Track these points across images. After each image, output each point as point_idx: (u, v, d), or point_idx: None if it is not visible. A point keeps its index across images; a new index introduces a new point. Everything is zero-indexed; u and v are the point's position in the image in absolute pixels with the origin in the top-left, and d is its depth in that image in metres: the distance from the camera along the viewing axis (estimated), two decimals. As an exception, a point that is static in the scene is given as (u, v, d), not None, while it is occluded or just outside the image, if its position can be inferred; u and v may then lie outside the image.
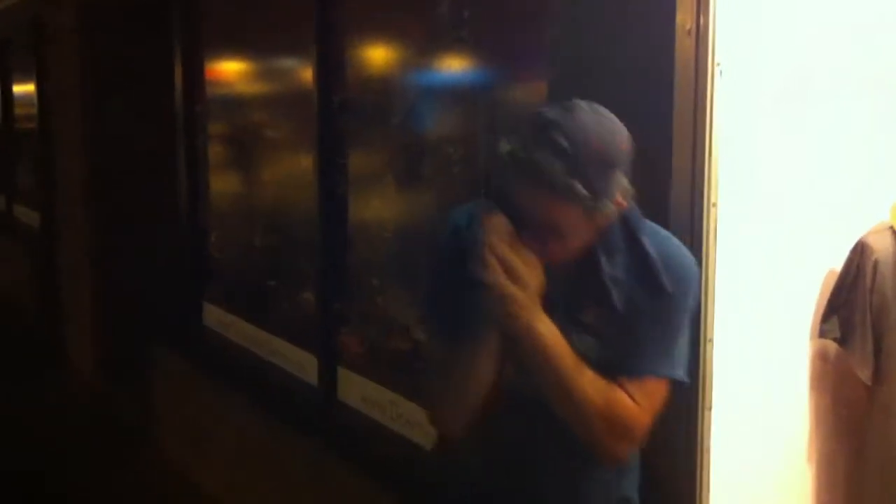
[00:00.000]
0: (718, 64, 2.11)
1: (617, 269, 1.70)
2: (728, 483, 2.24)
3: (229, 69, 4.81)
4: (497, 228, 1.61)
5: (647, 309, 1.69)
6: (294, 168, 4.21)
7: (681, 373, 1.73)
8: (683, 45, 2.11)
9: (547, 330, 1.64)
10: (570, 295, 1.71)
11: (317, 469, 3.64)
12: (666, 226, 2.14)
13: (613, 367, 1.68)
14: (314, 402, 3.78)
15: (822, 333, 2.42)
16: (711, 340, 2.16)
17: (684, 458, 2.20)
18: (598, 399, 1.64)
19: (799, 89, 2.31)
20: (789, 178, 2.32)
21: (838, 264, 2.43)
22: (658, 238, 1.76)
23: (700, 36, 2.10)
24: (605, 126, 1.61)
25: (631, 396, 1.66)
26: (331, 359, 3.74)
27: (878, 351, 2.39)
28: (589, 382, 1.65)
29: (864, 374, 2.39)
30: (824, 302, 2.43)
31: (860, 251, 2.38)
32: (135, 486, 4.64)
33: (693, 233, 2.14)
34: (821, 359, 2.46)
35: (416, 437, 3.18)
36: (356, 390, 3.58)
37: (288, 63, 4.24)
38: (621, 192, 1.62)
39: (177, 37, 4.86)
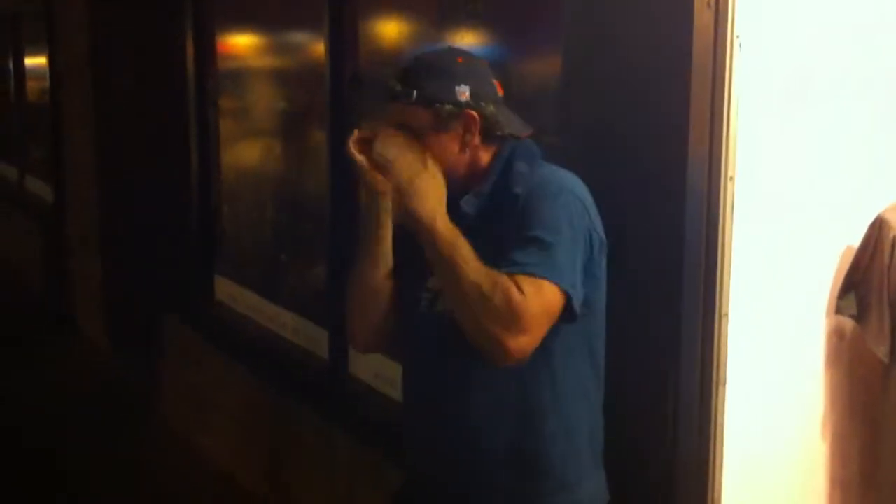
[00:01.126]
0: (738, 37, 2.08)
1: (484, 186, 1.94)
2: (742, 459, 2.23)
3: (241, 42, 4.79)
4: (368, 130, 1.89)
5: (503, 213, 1.86)
6: (306, 142, 4.19)
7: (564, 284, 1.78)
8: (703, 17, 2.08)
9: (444, 220, 1.82)
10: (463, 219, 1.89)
11: (327, 443, 3.65)
12: (682, 199, 2.15)
13: (503, 263, 1.79)
14: (325, 377, 3.78)
15: (839, 310, 2.40)
16: (727, 315, 2.15)
17: (698, 433, 2.19)
18: (486, 282, 1.74)
19: (820, 61, 2.28)
20: (808, 153, 2.30)
21: (856, 240, 2.41)
22: (544, 168, 1.95)
23: (720, 8, 2.07)
24: (442, 50, 2.09)
25: (518, 286, 1.74)
26: (342, 332, 3.73)
27: (894, 328, 2.37)
28: (477, 266, 1.77)
29: (881, 352, 2.38)
30: (841, 278, 2.41)
31: (878, 227, 2.36)
32: (143, 456, 4.67)
33: (710, 206, 2.13)
34: (837, 335, 2.45)
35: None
36: (367, 365, 3.58)
37: (300, 36, 4.22)
38: (472, 105, 1.89)
39: (188, 8, 4.83)
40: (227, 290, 4.74)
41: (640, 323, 2.21)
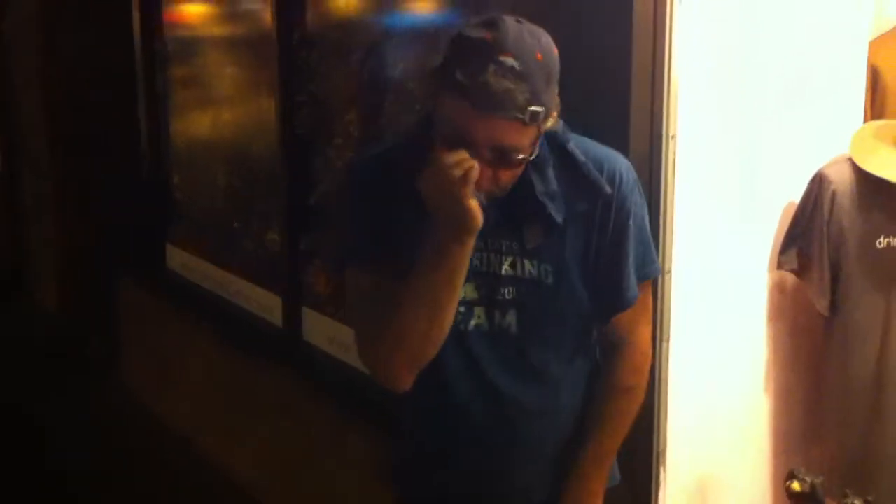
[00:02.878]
0: (678, -6, 2.09)
1: (549, 183, 1.63)
2: (687, 413, 2.26)
3: (189, 9, 4.72)
4: (452, 158, 1.49)
5: (594, 214, 1.66)
6: (256, 107, 4.15)
7: (656, 268, 1.79)
8: (642, -26, 2.08)
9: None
10: (513, 223, 1.64)
11: (283, 409, 3.65)
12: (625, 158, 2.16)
13: (609, 295, 1.71)
14: (279, 343, 3.77)
15: (780, 265, 2.43)
16: (669, 272, 2.17)
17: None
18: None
19: (760, 16, 2.29)
20: (749, 110, 2.31)
21: (797, 196, 2.43)
22: (585, 145, 1.71)
23: (658, -35, 2.08)
24: (542, 38, 1.54)
25: (643, 344, 1.82)
26: (295, 299, 3.73)
27: (835, 282, 2.41)
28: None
29: (822, 305, 2.42)
30: (783, 234, 2.44)
31: (819, 182, 2.39)
32: (100, 419, 4.64)
33: (652, 165, 2.14)
34: (778, 290, 2.48)
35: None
36: (321, 330, 3.58)
37: (247, 1, 4.17)
38: (556, 104, 1.56)
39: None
40: (179, 258, 4.70)
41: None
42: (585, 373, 1.82)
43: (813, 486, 1.96)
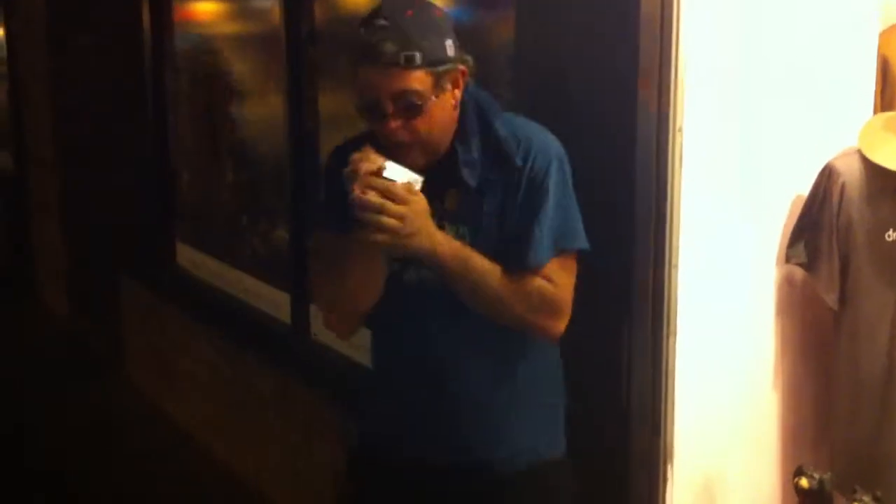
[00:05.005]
0: (684, -8, 2.08)
1: (471, 153, 1.82)
2: (694, 409, 2.25)
3: (197, 4, 4.73)
4: (365, 163, 1.68)
5: (505, 183, 1.81)
6: (264, 104, 4.15)
7: (580, 242, 1.85)
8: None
9: (444, 244, 1.75)
10: (437, 188, 1.78)
11: (290, 404, 3.65)
12: (633, 153, 2.16)
13: (525, 259, 1.79)
14: (288, 341, 3.77)
15: (789, 258, 2.41)
16: (676, 266, 2.16)
17: (650, 384, 2.21)
18: (513, 290, 1.78)
19: (768, 10, 2.27)
20: (757, 103, 2.29)
21: (805, 189, 2.42)
22: (514, 123, 1.87)
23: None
24: (408, 2, 1.76)
25: (547, 278, 1.80)
26: (304, 296, 3.72)
27: (843, 275, 2.39)
28: (497, 276, 1.78)
29: (830, 299, 2.40)
30: (791, 227, 2.42)
31: (827, 175, 2.37)
32: (105, 416, 4.66)
33: (659, 158, 2.13)
34: (787, 284, 2.46)
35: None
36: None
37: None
38: (460, 61, 1.77)
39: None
40: (188, 255, 4.71)
41: (590, 274, 2.21)
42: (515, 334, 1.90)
43: (821, 482, 1.95)
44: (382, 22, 1.69)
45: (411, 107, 1.72)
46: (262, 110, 4.20)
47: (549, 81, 2.38)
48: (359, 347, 3.37)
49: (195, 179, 4.84)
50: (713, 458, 2.33)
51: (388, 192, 1.66)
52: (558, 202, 1.81)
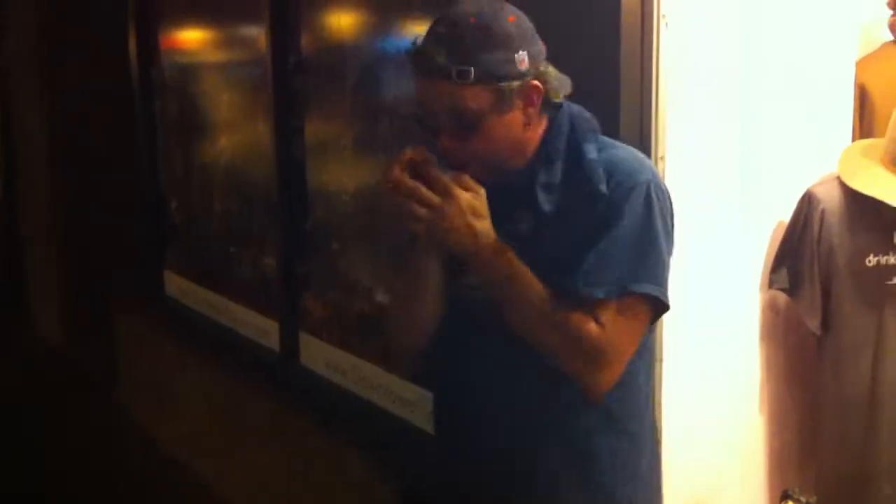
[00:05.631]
0: (664, 16, 2.11)
1: (553, 175, 1.65)
2: (682, 435, 2.26)
3: (184, 33, 4.75)
4: (402, 159, 1.56)
5: (584, 212, 1.61)
6: (252, 132, 4.17)
7: (652, 288, 1.60)
8: (629, -1, 2.11)
9: (489, 248, 1.57)
10: (505, 206, 1.62)
11: (280, 434, 3.65)
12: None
13: (573, 285, 1.58)
14: (277, 368, 3.77)
15: (772, 284, 2.44)
16: (661, 293, 2.17)
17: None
18: (554, 317, 1.57)
19: (746, 38, 2.31)
20: (738, 130, 2.33)
21: (787, 215, 2.45)
22: (607, 146, 1.69)
23: (645, -11, 2.10)
24: (486, 5, 1.60)
25: (594, 318, 1.57)
26: (293, 324, 3.73)
27: (826, 300, 2.42)
28: (541, 297, 1.57)
29: (813, 324, 2.43)
30: (774, 253, 2.45)
31: (808, 201, 2.40)
32: (98, 449, 4.63)
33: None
34: (771, 309, 2.49)
35: (379, 399, 3.19)
36: (319, 355, 3.58)
37: (242, 25, 4.20)
38: (536, 76, 1.60)
39: (130, 2, 4.79)
40: (176, 283, 4.71)
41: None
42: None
43: (807, 505, 1.97)
44: (441, 30, 1.57)
45: (465, 125, 1.58)
46: (249, 138, 4.22)
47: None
48: (345, 373, 3.38)
49: (184, 207, 4.85)
50: (701, 483, 2.34)
51: (429, 179, 1.54)
52: (633, 233, 1.59)
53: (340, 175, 3.55)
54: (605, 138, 1.72)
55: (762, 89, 2.36)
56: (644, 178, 1.62)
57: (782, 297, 2.48)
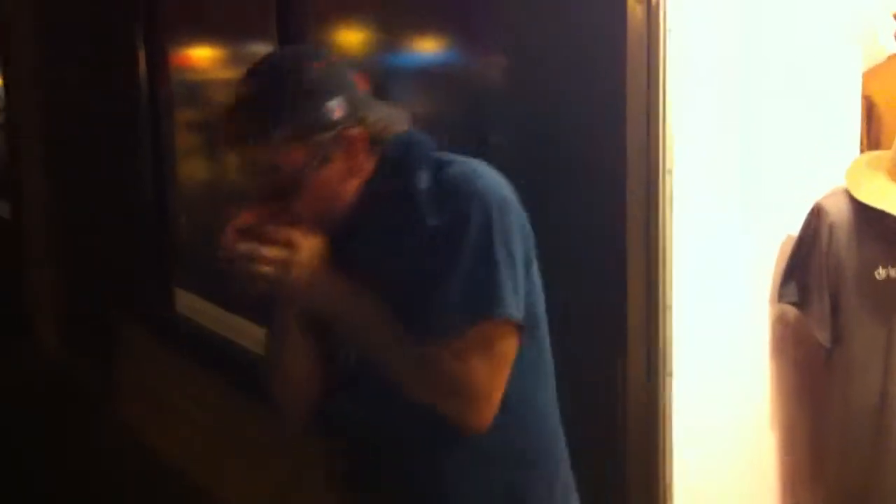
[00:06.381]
0: (670, 30, 2.11)
1: (380, 216, 1.55)
2: (691, 449, 2.25)
3: (192, 52, 4.78)
4: (232, 226, 1.52)
5: (420, 248, 1.51)
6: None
7: (499, 310, 1.48)
8: (635, 12, 2.11)
9: (339, 292, 1.51)
10: (344, 242, 1.55)
11: (287, 448, 3.64)
12: (622, 194, 2.18)
13: (422, 324, 1.48)
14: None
15: (781, 297, 2.43)
16: (670, 307, 2.17)
17: (645, 424, 2.22)
18: (413, 362, 1.49)
19: (752, 51, 2.31)
20: (745, 143, 2.32)
21: (796, 228, 2.44)
22: (449, 165, 1.55)
23: (651, 3, 2.10)
24: (292, 57, 1.56)
25: (452, 353, 1.46)
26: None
27: (835, 314, 2.41)
28: (397, 344, 1.50)
29: (822, 337, 2.41)
30: (783, 266, 2.44)
31: (816, 214, 2.39)
32: (99, 463, 4.65)
33: (649, 200, 2.15)
34: (780, 323, 2.48)
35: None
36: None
37: (249, 43, 4.22)
38: (352, 119, 1.50)
39: (139, 20, 4.82)
40: (186, 300, 4.72)
41: (584, 317, 2.23)
42: None
43: (817, 520, 1.95)
44: (244, 91, 1.50)
45: (286, 186, 1.50)
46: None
47: (537, 126, 2.41)
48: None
49: (192, 224, 4.86)
50: (711, 498, 2.33)
51: (264, 237, 1.48)
52: (471, 260, 1.47)
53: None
54: (445, 156, 1.59)
55: (769, 102, 2.36)
56: (483, 197, 1.49)
57: (791, 311, 2.47)
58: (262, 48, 3.99)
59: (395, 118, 1.59)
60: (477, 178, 1.52)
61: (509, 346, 1.52)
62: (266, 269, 1.48)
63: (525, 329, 1.54)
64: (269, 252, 1.47)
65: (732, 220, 2.32)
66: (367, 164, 1.56)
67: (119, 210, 5.17)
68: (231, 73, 4.48)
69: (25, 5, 6.07)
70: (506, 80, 2.59)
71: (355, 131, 1.51)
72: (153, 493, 4.34)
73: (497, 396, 1.51)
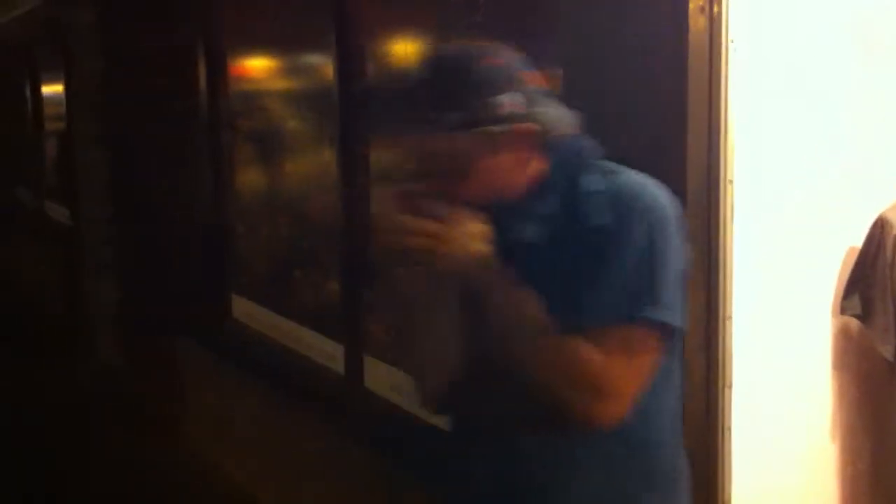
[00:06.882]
0: (732, 41, 2.11)
1: (550, 208, 1.60)
2: (750, 461, 2.24)
3: (250, 62, 4.84)
4: (391, 197, 1.55)
5: (587, 244, 1.56)
6: (317, 158, 4.23)
7: (662, 314, 1.54)
8: (697, 22, 2.11)
9: (492, 273, 1.55)
10: (502, 239, 1.58)
11: (345, 457, 3.66)
12: (683, 204, 2.16)
13: (578, 315, 1.53)
14: (341, 392, 3.80)
15: (843, 310, 2.41)
16: (731, 318, 2.16)
17: (705, 436, 2.20)
18: (558, 350, 1.52)
19: (816, 62, 2.30)
20: (808, 154, 2.31)
21: (859, 240, 2.41)
22: (614, 173, 1.63)
23: (713, 13, 2.10)
24: (470, 50, 1.59)
25: (601, 347, 1.52)
26: (357, 347, 3.76)
27: (899, 327, 2.38)
28: (544, 331, 1.53)
29: (886, 350, 2.38)
30: (845, 278, 2.42)
31: (880, 227, 2.37)
32: (161, 476, 4.70)
33: (710, 210, 2.15)
34: (843, 336, 2.45)
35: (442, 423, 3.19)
36: (383, 378, 3.60)
37: (307, 54, 4.27)
38: (525, 118, 1.55)
39: (198, 31, 4.89)
40: (243, 307, 4.78)
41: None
42: None
43: (881, 535, 1.93)
44: (419, 77, 1.55)
45: (452, 172, 1.56)
46: (314, 165, 4.28)
47: (596, 136, 2.41)
48: (410, 397, 3.39)
49: (250, 233, 4.93)
50: (771, 512, 2.32)
51: (423, 211, 1.52)
52: (640, 261, 1.54)
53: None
54: (612, 164, 1.66)
55: (832, 112, 2.34)
56: (648, 203, 1.57)
57: (854, 324, 2.44)
58: (320, 59, 4.04)
59: (564, 119, 1.63)
60: (649, 189, 1.60)
61: (657, 349, 1.57)
62: (425, 241, 1.51)
63: (676, 333, 1.59)
64: (431, 225, 1.51)
65: (794, 232, 2.30)
66: (535, 160, 1.62)
67: (177, 219, 5.24)
68: (289, 85, 4.54)
69: (87, 14, 6.18)
70: (564, 92, 2.60)
71: (526, 126, 1.56)
72: (211, 501, 4.38)
73: (634, 396, 1.56)
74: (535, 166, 1.63)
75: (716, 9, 2.10)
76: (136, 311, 5.97)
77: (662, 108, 2.19)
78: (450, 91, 1.52)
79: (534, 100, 1.58)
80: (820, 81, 2.31)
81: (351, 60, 3.70)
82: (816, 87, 2.30)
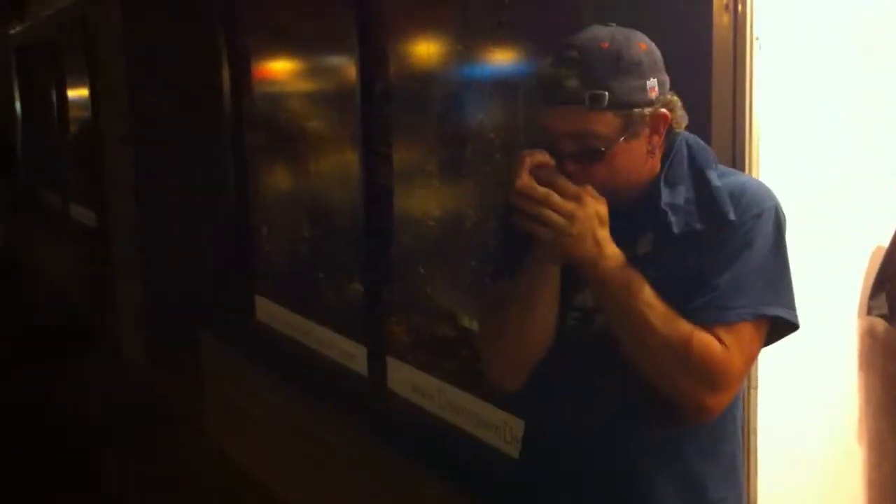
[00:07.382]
0: (757, 38, 2.09)
1: (677, 196, 1.63)
2: (776, 463, 2.22)
3: (273, 63, 4.86)
4: (526, 163, 1.54)
5: (711, 237, 1.60)
6: (340, 160, 4.24)
7: (783, 311, 1.60)
8: (721, 19, 2.10)
9: (612, 258, 1.57)
10: (629, 230, 1.62)
11: (367, 458, 3.67)
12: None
13: (701, 307, 1.57)
14: (364, 392, 3.80)
15: (870, 310, 2.38)
16: (755, 318, 2.14)
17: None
18: (677, 336, 1.55)
19: (842, 59, 2.27)
20: (834, 153, 2.29)
21: (885, 240, 2.39)
22: (729, 174, 1.70)
23: (738, 10, 2.08)
24: (618, 31, 1.59)
25: (718, 338, 1.56)
26: (380, 348, 3.76)
27: (927, 327, 2.35)
28: (663, 314, 1.55)
29: (913, 351, 2.36)
30: (872, 278, 2.39)
31: (908, 226, 2.34)
32: (184, 474, 4.72)
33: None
34: (869, 336, 2.43)
35: (464, 424, 3.19)
36: (405, 379, 3.60)
37: (330, 55, 4.27)
38: (664, 104, 1.60)
39: (221, 31, 4.92)
40: (267, 308, 4.79)
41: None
42: None
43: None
44: (573, 54, 1.54)
45: (592, 151, 1.56)
46: (337, 165, 4.28)
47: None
48: (432, 398, 3.39)
49: (273, 234, 4.94)
50: (797, 513, 2.29)
51: (558, 186, 1.52)
52: (764, 258, 1.60)
53: (426, 200, 3.58)
54: (723, 166, 1.72)
55: (858, 112, 2.32)
56: (771, 204, 1.64)
57: (881, 324, 2.42)
58: (342, 59, 4.05)
59: (684, 113, 1.67)
60: (768, 190, 1.67)
61: (761, 342, 1.63)
62: (553, 216, 1.52)
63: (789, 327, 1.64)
64: (559, 202, 1.52)
65: (820, 231, 2.28)
66: (661, 151, 1.65)
67: (201, 220, 5.27)
68: (312, 85, 4.55)
69: (112, 16, 6.22)
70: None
71: (665, 113, 1.60)
72: (235, 500, 4.40)
73: (738, 390, 1.63)
74: (659, 156, 1.66)
75: (741, 6, 2.08)
76: (160, 311, 6.00)
77: (686, 105, 2.17)
78: (610, 70, 1.53)
79: (667, 89, 1.62)
80: (846, 78, 2.29)
81: (373, 60, 3.70)
82: (843, 83, 2.28)
